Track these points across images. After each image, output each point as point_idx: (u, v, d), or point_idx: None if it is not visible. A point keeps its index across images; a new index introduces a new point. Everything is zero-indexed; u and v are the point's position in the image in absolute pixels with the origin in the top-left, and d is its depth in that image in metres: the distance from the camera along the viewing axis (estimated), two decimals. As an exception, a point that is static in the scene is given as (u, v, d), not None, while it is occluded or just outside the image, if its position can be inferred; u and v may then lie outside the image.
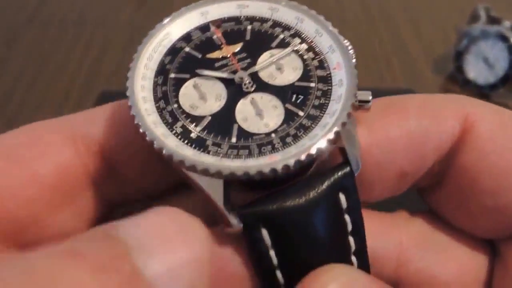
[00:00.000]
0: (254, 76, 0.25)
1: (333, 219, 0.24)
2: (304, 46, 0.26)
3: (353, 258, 0.24)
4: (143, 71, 0.25)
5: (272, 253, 0.23)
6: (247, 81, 0.25)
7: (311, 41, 0.26)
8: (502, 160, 0.24)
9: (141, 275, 0.17)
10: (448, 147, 0.25)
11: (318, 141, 0.22)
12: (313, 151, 0.22)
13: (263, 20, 0.27)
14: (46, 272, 0.16)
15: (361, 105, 0.24)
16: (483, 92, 0.73)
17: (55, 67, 0.80)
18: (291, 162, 0.22)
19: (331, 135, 0.23)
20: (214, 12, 0.27)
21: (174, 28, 0.27)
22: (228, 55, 0.26)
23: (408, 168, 0.25)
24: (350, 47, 0.25)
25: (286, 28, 0.27)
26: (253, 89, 0.25)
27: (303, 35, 0.26)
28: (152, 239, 0.18)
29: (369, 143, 0.25)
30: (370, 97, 0.24)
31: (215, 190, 0.22)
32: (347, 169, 0.24)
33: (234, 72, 0.25)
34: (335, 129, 0.23)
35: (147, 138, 0.23)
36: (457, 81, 0.75)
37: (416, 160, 0.25)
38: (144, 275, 0.17)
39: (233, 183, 0.23)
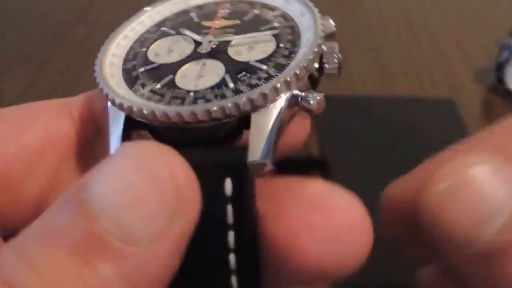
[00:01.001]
0: (222, 45, 0.25)
1: (211, 204, 0.21)
2: (287, 30, 0.25)
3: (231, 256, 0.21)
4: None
5: None
6: (207, 44, 0.25)
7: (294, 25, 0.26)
8: None
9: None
10: None
11: (232, 98, 0.22)
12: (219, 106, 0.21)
13: (270, 8, 0.27)
14: (19, 260, 0.16)
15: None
16: (523, 103, 0.72)
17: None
18: (198, 109, 0.21)
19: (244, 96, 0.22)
20: None
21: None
22: (216, 26, 0.26)
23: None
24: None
25: (284, 17, 0.26)
26: (206, 51, 0.25)
27: (289, 18, 0.26)
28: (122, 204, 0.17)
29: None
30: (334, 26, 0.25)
31: (115, 120, 0.23)
32: (242, 154, 0.21)
33: (207, 34, 0.26)
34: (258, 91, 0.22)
35: (105, 93, 0.24)
36: (498, 92, 0.75)
37: None
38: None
39: (138, 126, 0.23)
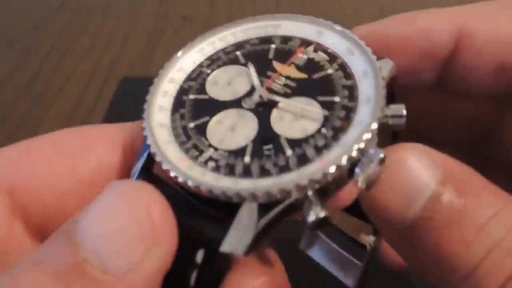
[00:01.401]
0: (270, 102, 0.24)
1: (181, 264, 0.21)
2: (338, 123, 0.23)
3: None
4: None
5: None
6: (256, 98, 0.24)
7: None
8: None
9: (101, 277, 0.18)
10: None
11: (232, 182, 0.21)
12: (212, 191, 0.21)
13: (349, 76, 0.24)
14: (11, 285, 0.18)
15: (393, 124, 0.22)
16: None
17: (80, 53, 0.84)
18: (203, 187, 0.21)
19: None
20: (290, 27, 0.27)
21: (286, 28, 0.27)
22: (281, 73, 0.25)
23: (507, 60, 0.24)
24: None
25: (349, 88, 0.24)
26: (249, 111, 0.24)
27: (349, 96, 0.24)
28: (106, 245, 0.19)
29: (476, 28, 0.24)
30: (404, 112, 0.22)
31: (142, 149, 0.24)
32: (221, 235, 0.21)
33: (262, 84, 0.25)
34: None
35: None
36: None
37: None
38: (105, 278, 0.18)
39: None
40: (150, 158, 0.23)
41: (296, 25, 0.27)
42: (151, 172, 0.23)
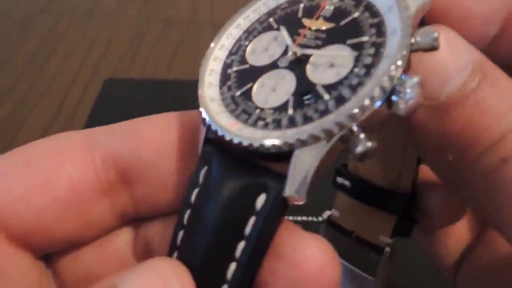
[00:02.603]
0: (304, 56, 0.25)
1: (235, 210, 0.23)
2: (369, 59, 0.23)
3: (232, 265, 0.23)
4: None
5: (195, 191, 0.24)
6: (290, 55, 0.25)
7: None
8: None
9: None
10: None
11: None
12: None
13: (374, 14, 0.25)
14: None
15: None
16: None
17: (65, 54, 0.85)
18: (245, 142, 0.23)
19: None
20: None
21: None
22: (310, 27, 0.26)
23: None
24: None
25: (376, 25, 0.24)
26: (287, 63, 0.25)
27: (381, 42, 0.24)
28: None
29: None
30: (435, 34, 0.22)
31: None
32: (277, 187, 0.22)
33: (294, 43, 0.25)
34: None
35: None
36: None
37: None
38: None
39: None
40: (208, 129, 0.24)
41: None
42: (212, 141, 0.25)
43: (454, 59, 0.23)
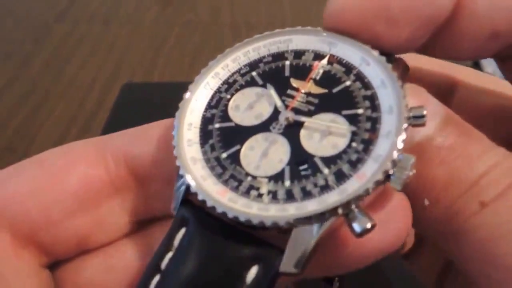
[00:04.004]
0: (296, 126, 0.24)
1: (221, 281, 0.22)
2: (366, 135, 0.23)
3: None
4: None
5: (168, 255, 0.23)
6: (283, 120, 0.24)
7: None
8: None
9: None
10: None
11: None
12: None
13: (367, 86, 0.24)
14: None
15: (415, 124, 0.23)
16: None
17: (82, 61, 0.83)
18: (241, 217, 0.22)
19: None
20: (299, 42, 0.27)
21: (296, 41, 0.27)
22: (301, 90, 0.25)
23: (502, 28, 0.24)
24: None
25: (370, 98, 0.24)
26: (278, 134, 0.24)
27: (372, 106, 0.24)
28: None
29: None
30: (425, 112, 0.23)
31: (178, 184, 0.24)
32: (272, 260, 0.22)
33: (287, 107, 0.25)
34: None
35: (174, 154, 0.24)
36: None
37: None
38: None
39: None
40: (188, 190, 0.23)
41: (307, 38, 0.27)
42: (191, 203, 0.24)
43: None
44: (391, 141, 0.22)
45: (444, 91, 0.30)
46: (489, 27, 0.24)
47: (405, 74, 0.26)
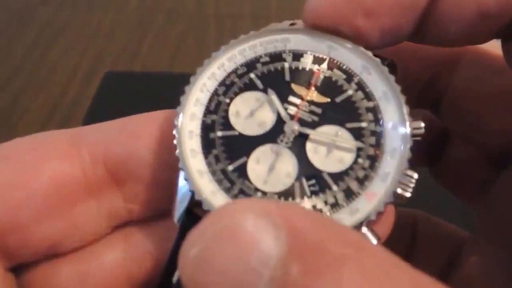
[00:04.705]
0: (301, 138, 0.24)
1: None
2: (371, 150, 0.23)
3: None
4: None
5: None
6: (289, 133, 0.24)
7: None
8: None
9: None
10: None
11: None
12: None
13: (368, 97, 0.24)
14: None
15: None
16: None
17: (65, 46, 0.82)
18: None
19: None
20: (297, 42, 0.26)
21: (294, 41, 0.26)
22: (305, 99, 0.25)
23: (491, 6, 0.23)
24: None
25: (373, 111, 0.24)
26: (284, 146, 0.24)
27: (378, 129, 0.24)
28: None
29: None
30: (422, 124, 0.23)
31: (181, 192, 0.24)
32: None
33: (292, 117, 0.24)
34: None
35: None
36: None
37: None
38: None
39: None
40: (192, 200, 0.23)
41: (305, 39, 0.26)
42: (195, 214, 0.23)
43: (253, 247, 0.17)
44: (398, 160, 0.22)
45: (443, 67, 0.27)
46: (474, 7, 0.23)
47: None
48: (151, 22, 0.85)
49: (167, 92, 0.70)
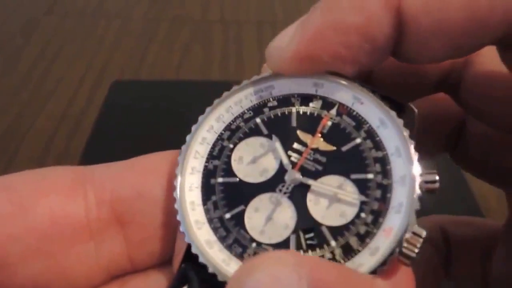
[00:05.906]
0: (302, 188, 0.23)
1: None
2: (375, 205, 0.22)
3: None
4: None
5: None
6: (289, 181, 0.23)
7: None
8: None
9: None
10: None
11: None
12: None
13: (379, 147, 0.23)
14: None
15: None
16: None
17: (70, 57, 0.82)
18: None
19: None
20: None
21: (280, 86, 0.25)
22: (310, 146, 0.24)
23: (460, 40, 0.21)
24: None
25: (381, 161, 0.23)
26: (284, 196, 0.23)
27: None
28: None
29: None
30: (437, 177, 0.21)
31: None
32: None
33: (294, 166, 0.23)
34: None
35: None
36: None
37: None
38: None
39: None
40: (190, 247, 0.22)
41: (289, 82, 0.25)
42: (194, 260, 0.22)
43: None
44: (403, 215, 0.21)
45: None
46: (444, 40, 0.21)
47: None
48: (156, 30, 0.85)
49: (174, 99, 0.71)
